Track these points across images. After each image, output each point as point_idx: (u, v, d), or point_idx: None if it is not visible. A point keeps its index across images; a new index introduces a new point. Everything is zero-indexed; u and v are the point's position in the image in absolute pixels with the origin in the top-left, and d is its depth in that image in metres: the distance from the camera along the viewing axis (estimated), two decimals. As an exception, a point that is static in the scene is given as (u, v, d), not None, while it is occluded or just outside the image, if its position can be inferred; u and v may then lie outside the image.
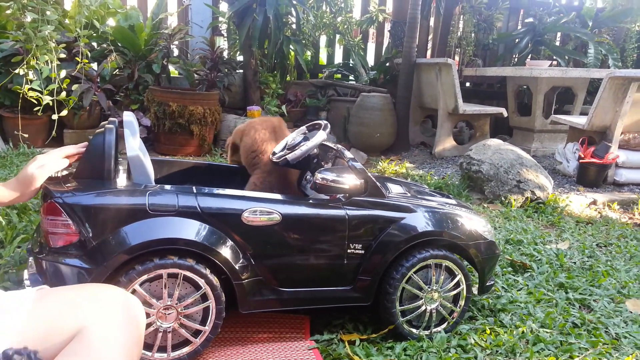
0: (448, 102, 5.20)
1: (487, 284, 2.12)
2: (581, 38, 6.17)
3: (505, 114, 5.42)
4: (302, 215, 1.75)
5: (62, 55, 3.43)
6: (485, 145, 4.06)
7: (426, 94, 5.65)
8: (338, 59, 6.77)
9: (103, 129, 1.66)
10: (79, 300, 1.04)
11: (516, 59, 6.59)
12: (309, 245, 1.77)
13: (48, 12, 2.97)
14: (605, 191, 4.32)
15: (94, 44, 4.98)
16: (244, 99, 5.57)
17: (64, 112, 3.46)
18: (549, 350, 1.90)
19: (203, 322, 1.67)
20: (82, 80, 4.31)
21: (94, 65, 4.92)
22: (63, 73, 3.36)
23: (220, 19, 5.70)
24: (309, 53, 6.29)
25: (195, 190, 1.67)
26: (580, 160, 4.37)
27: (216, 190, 1.74)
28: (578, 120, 4.62)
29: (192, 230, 1.60)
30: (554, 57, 6.31)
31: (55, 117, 3.34)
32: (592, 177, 4.36)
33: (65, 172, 1.66)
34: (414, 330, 1.93)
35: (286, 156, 2.01)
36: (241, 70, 5.55)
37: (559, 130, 5.48)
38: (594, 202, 4.05)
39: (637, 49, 6.73)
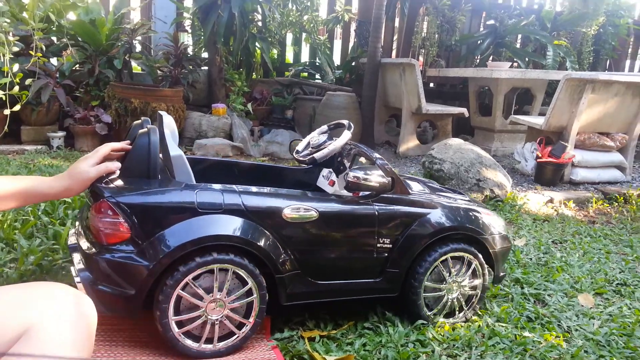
0: (412, 101, 5.28)
1: (501, 274, 2.25)
2: (540, 40, 6.35)
3: (467, 114, 5.53)
4: (336, 212, 1.86)
5: (16, 49, 3.32)
6: (447, 145, 4.14)
7: (391, 94, 5.72)
8: (304, 57, 6.78)
9: (146, 128, 1.70)
10: (27, 298, 1.01)
11: (478, 60, 6.73)
12: (342, 240, 1.87)
13: (0, 4, 2.87)
14: (562, 189, 4.46)
15: (54, 38, 4.84)
16: (208, 96, 5.51)
17: (17, 107, 3.35)
18: (504, 343, 1.95)
19: (246, 315, 1.75)
20: (40, 75, 4.18)
21: (54, 61, 4.79)
22: (16, 67, 3.26)
23: (185, 14, 5.63)
24: (275, 51, 6.28)
25: (239, 189, 1.74)
26: (538, 160, 4.50)
27: (258, 189, 1.81)
28: (536, 120, 4.76)
29: (239, 227, 1.68)
30: (515, 59, 6.48)
31: (7, 112, 3.23)
32: (549, 176, 4.50)
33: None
34: (437, 319, 2.05)
35: (313, 155, 2.09)
36: (206, 67, 5.49)
37: (518, 130, 5.63)
38: (551, 200, 4.18)
39: (593, 52, 6.97)
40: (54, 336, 0.95)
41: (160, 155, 1.79)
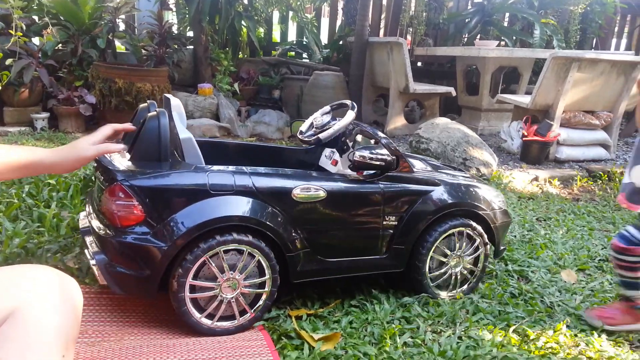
0: (399, 81, 5.26)
1: (501, 247, 2.31)
2: (528, 19, 6.33)
3: (454, 94, 5.53)
4: (344, 191, 1.90)
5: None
6: (434, 124, 4.15)
7: (378, 73, 5.69)
8: (291, 36, 6.71)
9: (155, 112, 1.72)
10: (12, 281, 1.01)
11: (466, 39, 6.70)
12: (350, 218, 1.92)
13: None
14: (547, 168, 4.51)
15: (35, 17, 4.74)
16: (194, 75, 5.45)
17: (-2, 87, 3.29)
18: (487, 319, 1.99)
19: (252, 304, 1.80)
20: (21, 55, 4.10)
21: (35, 40, 4.69)
22: (-4, 47, 3.19)
23: (169, -8, 5.53)
24: (261, 30, 6.20)
25: (249, 171, 1.78)
26: (524, 138, 4.53)
27: (267, 170, 1.85)
28: (522, 99, 4.78)
29: (251, 208, 1.71)
30: (502, 38, 6.46)
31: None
32: (534, 154, 4.54)
33: (120, 155, 1.75)
34: (442, 292, 2.12)
35: (318, 135, 2.13)
36: (191, 47, 5.42)
37: (505, 109, 5.65)
38: (536, 179, 4.22)
39: (579, 30, 6.97)
40: (39, 318, 0.95)
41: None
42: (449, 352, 1.71)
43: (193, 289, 1.69)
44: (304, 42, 6.48)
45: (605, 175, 4.42)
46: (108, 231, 1.66)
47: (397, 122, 5.44)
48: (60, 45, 4.71)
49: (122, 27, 5.33)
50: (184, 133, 1.81)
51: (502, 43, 6.48)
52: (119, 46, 5.26)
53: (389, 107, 5.47)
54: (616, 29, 8.15)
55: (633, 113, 5.89)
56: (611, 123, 4.85)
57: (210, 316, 1.73)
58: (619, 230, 1.98)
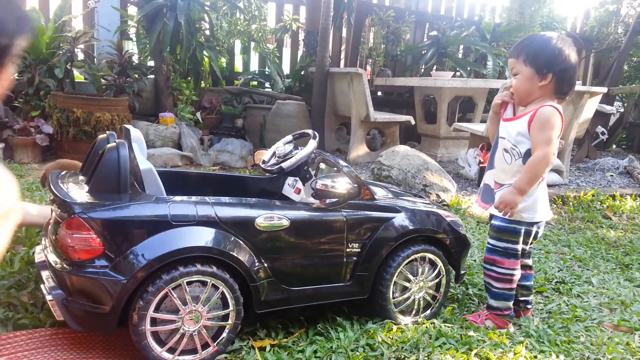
0: (360, 110, 5.37)
1: (462, 272, 2.36)
2: (481, 51, 6.61)
3: (413, 122, 5.68)
4: (307, 219, 1.92)
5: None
6: (395, 152, 4.24)
7: (340, 102, 5.80)
8: (254, 66, 6.77)
9: (115, 143, 1.70)
10: None
11: (423, 70, 6.92)
12: (314, 247, 1.94)
13: None
14: (504, 193, 4.63)
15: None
16: (155, 105, 5.41)
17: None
18: (450, 343, 2.02)
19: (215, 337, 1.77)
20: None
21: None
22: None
23: (129, 22, 5.52)
24: (224, 60, 6.24)
25: (211, 201, 1.76)
26: (480, 165, 4.66)
27: (230, 200, 1.84)
28: (478, 127, 4.95)
29: (214, 238, 1.70)
30: (457, 69, 6.71)
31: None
32: (491, 180, 4.67)
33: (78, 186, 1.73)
34: (405, 318, 2.14)
35: (281, 164, 2.15)
36: (152, 76, 5.40)
37: (462, 137, 5.83)
38: (494, 204, 4.33)
39: (530, 61, 7.30)
40: None
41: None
42: (413, 378, 1.72)
43: (154, 321, 1.65)
44: (266, 72, 6.55)
45: (560, 200, 4.59)
46: (65, 265, 1.61)
47: (360, 150, 5.53)
48: (16, 75, 4.61)
49: (81, 56, 5.27)
50: (144, 164, 1.79)
51: (458, 74, 6.72)
52: (78, 76, 5.19)
53: (351, 136, 5.56)
54: (564, 60, 8.57)
55: (583, 139, 6.19)
56: (563, 149, 5.06)
57: (172, 350, 1.69)
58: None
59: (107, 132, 1.94)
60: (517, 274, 2.18)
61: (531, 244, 2.24)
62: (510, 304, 2.23)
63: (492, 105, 2.26)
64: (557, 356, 1.99)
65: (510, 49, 2.22)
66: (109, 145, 1.70)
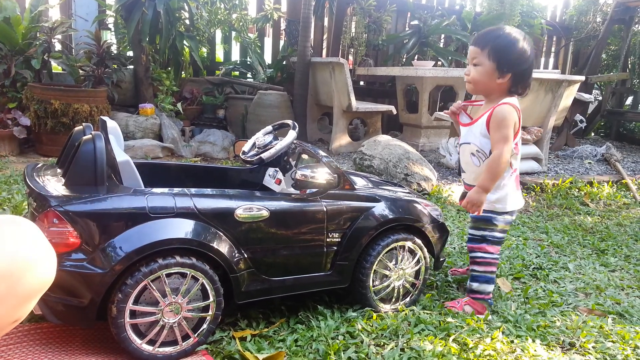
0: (342, 100, 5.38)
1: (441, 259, 2.40)
2: (462, 40, 6.64)
3: (395, 112, 5.70)
4: (287, 210, 1.92)
5: None
6: (376, 142, 4.26)
7: (322, 92, 5.79)
8: (235, 56, 6.72)
9: (91, 135, 1.68)
10: None
11: (404, 59, 6.94)
12: (294, 237, 1.94)
13: None
14: (484, 181, 4.69)
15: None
16: (135, 96, 5.35)
17: None
18: (428, 330, 2.05)
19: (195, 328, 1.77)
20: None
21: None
22: None
23: (107, 12, 5.43)
24: (204, 50, 6.18)
25: (190, 192, 1.75)
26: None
27: (209, 191, 1.83)
28: (459, 116, 4.97)
29: (193, 230, 1.70)
30: (438, 58, 6.73)
31: None
32: (472, 169, 4.72)
33: (54, 179, 1.71)
34: (385, 306, 2.17)
35: (261, 155, 2.15)
36: (132, 66, 5.33)
37: (443, 126, 5.87)
38: (474, 192, 4.39)
39: (510, 51, 7.36)
40: None
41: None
42: (392, 364, 1.75)
43: (133, 314, 1.65)
44: (248, 62, 6.51)
45: (538, 187, 4.66)
46: None
47: (342, 140, 5.54)
48: (-9, 66, 4.52)
49: (58, 47, 5.18)
50: (121, 156, 1.77)
51: (439, 63, 6.75)
52: (55, 67, 5.11)
53: (333, 126, 5.57)
54: (544, 48, 8.68)
55: (562, 127, 6.28)
56: (542, 138, 5.14)
57: (152, 342, 1.69)
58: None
59: (83, 124, 1.92)
60: (498, 257, 2.31)
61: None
62: (490, 288, 2.30)
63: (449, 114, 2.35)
64: (534, 340, 2.04)
65: (475, 36, 2.24)
66: (85, 138, 1.68)
